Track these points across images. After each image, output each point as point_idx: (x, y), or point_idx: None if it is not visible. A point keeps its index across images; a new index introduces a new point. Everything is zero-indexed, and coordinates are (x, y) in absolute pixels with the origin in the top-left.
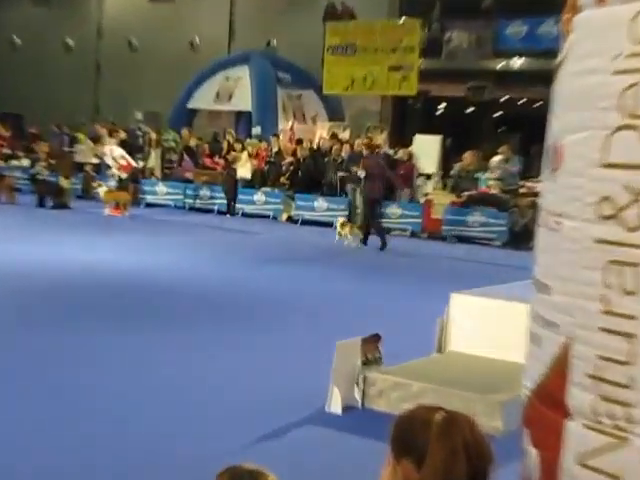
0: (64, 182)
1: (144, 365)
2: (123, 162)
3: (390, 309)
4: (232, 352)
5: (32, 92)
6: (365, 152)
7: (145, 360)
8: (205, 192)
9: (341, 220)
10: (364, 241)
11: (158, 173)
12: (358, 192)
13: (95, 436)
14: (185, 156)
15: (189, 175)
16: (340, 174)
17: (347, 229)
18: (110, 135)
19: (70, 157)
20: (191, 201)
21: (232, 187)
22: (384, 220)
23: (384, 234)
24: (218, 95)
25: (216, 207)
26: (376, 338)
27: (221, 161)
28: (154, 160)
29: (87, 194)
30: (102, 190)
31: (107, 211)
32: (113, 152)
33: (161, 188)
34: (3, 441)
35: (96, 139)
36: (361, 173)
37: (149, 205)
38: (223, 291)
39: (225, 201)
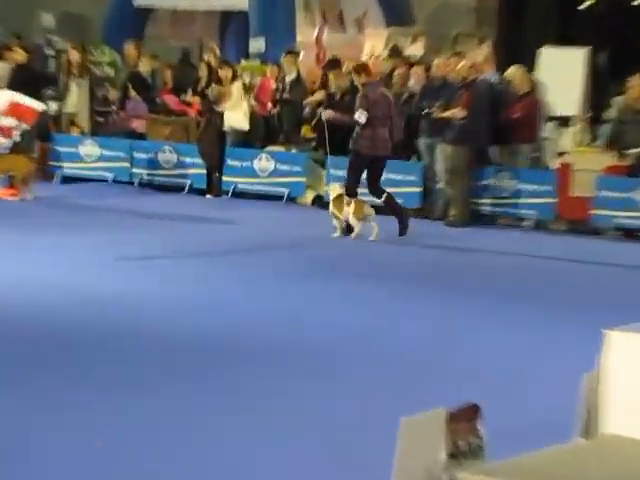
0: None
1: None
2: (8, 122)
3: (492, 356)
4: (231, 436)
5: None
6: (363, 81)
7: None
8: (168, 156)
9: (335, 190)
10: (402, 228)
11: (84, 123)
12: (440, 150)
13: None
14: (132, 92)
15: (139, 126)
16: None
17: (351, 208)
18: None
19: None
20: (143, 172)
21: (215, 146)
22: (483, 201)
23: (401, 212)
24: None
25: (188, 182)
26: (472, 411)
27: (196, 100)
28: (77, 100)
29: None
30: None
31: None
32: None
33: (90, 149)
34: None
35: None
36: (361, 116)
37: (69, 180)
38: (206, 331)
39: (204, 171)
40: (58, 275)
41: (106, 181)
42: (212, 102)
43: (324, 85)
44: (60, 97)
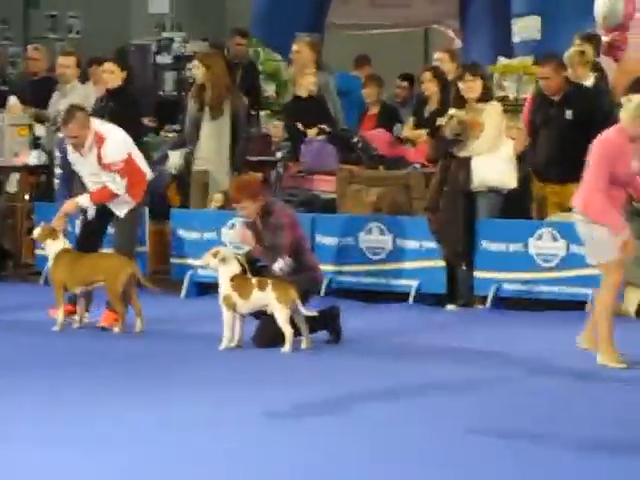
0: None
1: None
2: (115, 186)
3: None
4: None
5: None
6: None
7: None
8: (376, 239)
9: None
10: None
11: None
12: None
13: None
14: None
15: (324, 187)
16: None
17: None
18: None
19: None
20: (331, 269)
21: (461, 221)
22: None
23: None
24: None
25: (414, 284)
26: None
27: (421, 136)
28: (213, 147)
29: None
30: None
31: None
32: None
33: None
34: None
35: None
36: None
37: (207, 288)
38: None
39: (439, 264)
40: None
41: None
42: (450, 141)
43: None
44: (187, 143)
